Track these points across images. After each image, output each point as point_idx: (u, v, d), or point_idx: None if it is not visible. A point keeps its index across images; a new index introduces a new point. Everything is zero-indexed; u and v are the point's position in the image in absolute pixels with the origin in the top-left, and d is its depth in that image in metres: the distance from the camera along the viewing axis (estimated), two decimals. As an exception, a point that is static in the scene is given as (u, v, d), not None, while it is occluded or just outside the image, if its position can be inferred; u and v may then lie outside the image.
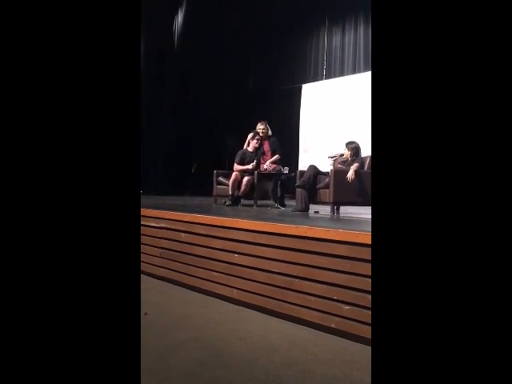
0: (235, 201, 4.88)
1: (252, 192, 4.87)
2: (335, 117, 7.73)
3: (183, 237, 3.21)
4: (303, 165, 7.26)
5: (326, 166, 4.43)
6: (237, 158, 5.07)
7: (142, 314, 2.31)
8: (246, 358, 1.89)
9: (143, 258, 3.42)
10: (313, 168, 4.18)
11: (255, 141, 5.07)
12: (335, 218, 3.71)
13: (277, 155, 5.05)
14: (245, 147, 5.22)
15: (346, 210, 4.35)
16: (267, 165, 4.93)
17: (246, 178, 4.81)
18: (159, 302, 2.77)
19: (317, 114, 8.19)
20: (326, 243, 2.27)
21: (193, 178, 8.41)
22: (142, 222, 3.34)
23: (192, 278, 3.08)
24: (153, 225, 3.49)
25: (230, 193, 4.88)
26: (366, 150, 4.38)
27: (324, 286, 2.26)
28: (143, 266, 3.37)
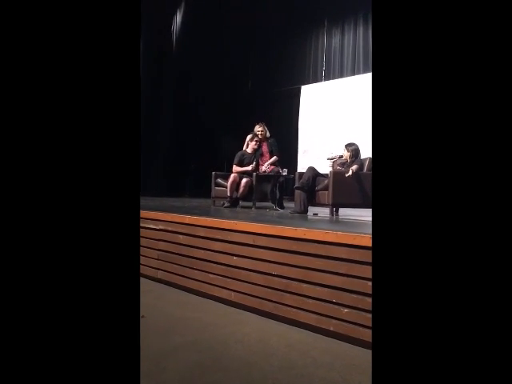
0: (233, 202, 4.87)
1: (250, 194, 4.87)
2: (334, 118, 7.73)
3: (181, 239, 3.19)
4: (302, 166, 7.26)
5: (325, 168, 4.43)
6: (235, 160, 5.07)
7: (139, 317, 2.29)
8: (244, 362, 1.88)
9: (140, 260, 3.40)
10: (312, 170, 4.17)
11: (254, 142, 5.07)
12: (334, 220, 3.70)
13: (275, 157, 5.06)
14: (244, 149, 5.22)
15: (345, 212, 4.34)
16: (266, 166, 4.92)
17: (244, 180, 4.80)
18: (156, 304, 2.75)
19: (316, 115, 8.19)
20: (325, 245, 2.26)
21: (191, 180, 8.41)
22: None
23: (190, 280, 3.06)
24: (151, 226, 3.48)
25: (229, 194, 4.87)
26: (366, 152, 4.37)
27: (323, 289, 2.24)
28: (140, 268, 3.35)
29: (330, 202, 3.94)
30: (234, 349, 2.02)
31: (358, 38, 7.70)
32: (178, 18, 9.12)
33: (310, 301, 2.29)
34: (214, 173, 5.32)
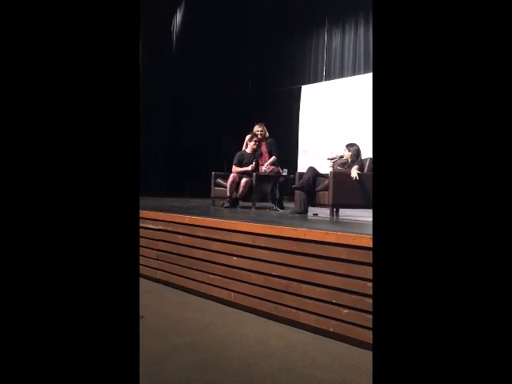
0: (233, 203, 4.86)
1: (250, 194, 4.86)
2: (335, 118, 7.72)
3: (181, 239, 3.19)
4: (302, 166, 7.25)
5: (325, 168, 4.42)
6: (235, 160, 5.07)
7: (138, 317, 2.28)
8: (243, 363, 1.87)
9: (140, 260, 3.40)
10: (312, 170, 4.16)
11: (253, 142, 5.06)
12: (334, 221, 3.69)
13: (273, 157, 5.05)
14: (243, 149, 5.21)
15: (345, 213, 4.34)
16: (266, 167, 4.92)
17: (244, 180, 4.79)
18: (155, 304, 2.74)
19: (316, 115, 8.19)
20: (325, 246, 2.25)
21: (191, 180, 8.40)
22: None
23: (189, 280, 3.06)
24: (150, 227, 3.47)
25: (228, 194, 4.87)
26: (366, 152, 4.37)
27: (322, 289, 2.24)
28: (140, 269, 3.34)
29: (330, 203, 3.94)
30: (234, 349, 2.02)
31: (358, 37, 7.69)
32: (178, 17, 9.13)
33: (310, 301, 2.28)
34: (213, 173, 5.32)
